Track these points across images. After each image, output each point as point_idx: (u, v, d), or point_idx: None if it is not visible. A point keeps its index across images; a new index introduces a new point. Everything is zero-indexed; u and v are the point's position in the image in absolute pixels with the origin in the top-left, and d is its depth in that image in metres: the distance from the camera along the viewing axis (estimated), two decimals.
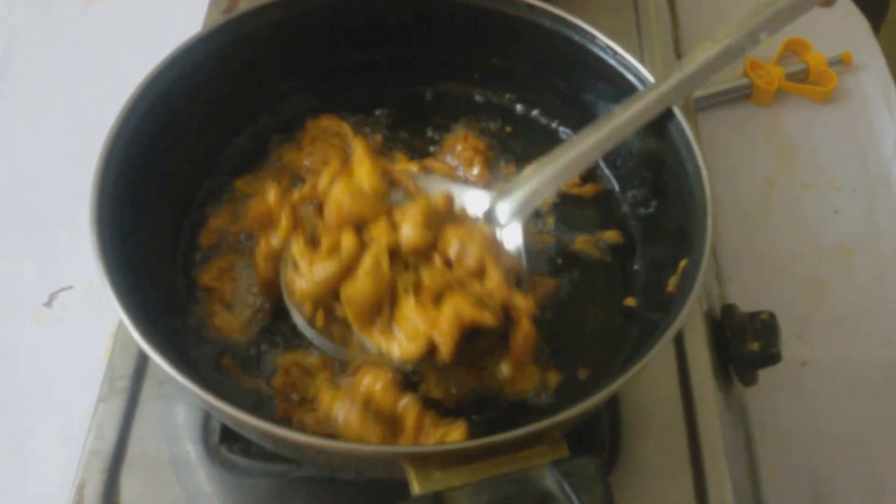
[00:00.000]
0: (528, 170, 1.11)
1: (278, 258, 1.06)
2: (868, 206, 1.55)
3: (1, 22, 1.76)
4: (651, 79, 1.13)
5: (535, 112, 1.31)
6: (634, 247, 1.20)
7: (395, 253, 1.02)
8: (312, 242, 1.04)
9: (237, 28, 1.17)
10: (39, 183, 1.52)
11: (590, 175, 1.25)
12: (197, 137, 1.19)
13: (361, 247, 1.01)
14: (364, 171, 1.07)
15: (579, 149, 1.10)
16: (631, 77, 1.15)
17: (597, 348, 1.12)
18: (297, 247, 1.04)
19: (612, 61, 1.17)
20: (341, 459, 0.96)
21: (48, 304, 1.36)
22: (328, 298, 1.02)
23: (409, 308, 0.99)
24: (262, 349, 1.09)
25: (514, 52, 1.26)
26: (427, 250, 1.03)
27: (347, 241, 1.01)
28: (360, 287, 0.99)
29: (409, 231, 1.01)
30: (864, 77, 1.73)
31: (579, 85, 1.22)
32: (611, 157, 1.25)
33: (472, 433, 0.95)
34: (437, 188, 1.12)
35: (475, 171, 1.23)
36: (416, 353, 0.98)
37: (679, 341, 1.18)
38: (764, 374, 1.22)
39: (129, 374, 1.14)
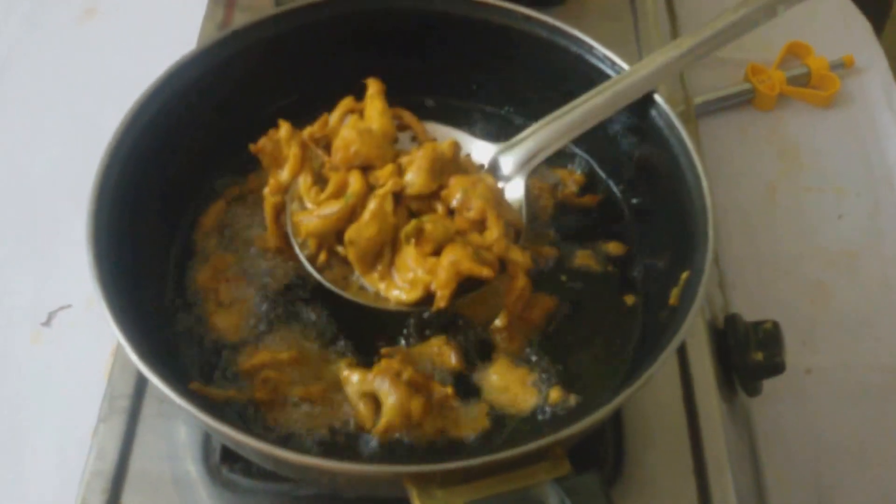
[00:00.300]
0: (535, 125, 1.13)
1: (285, 193, 1.10)
2: (872, 210, 1.55)
3: None
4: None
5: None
6: (635, 257, 1.19)
7: (399, 198, 1.04)
8: (319, 181, 1.08)
9: (234, 43, 1.17)
10: (36, 199, 1.51)
11: (589, 185, 1.25)
12: (194, 153, 1.19)
13: (367, 189, 1.04)
14: (375, 110, 1.09)
15: (587, 107, 1.11)
16: None
17: (599, 362, 1.11)
18: (303, 184, 1.07)
19: (610, 71, 1.16)
20: (344, 479, 0.96)
21: (47, 323, 1.35)
22: (331, 238, 1.05)
23: (409, 256, 1.02)
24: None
25: (512, 64, 1.25)
26: (430, 197, 1.05)
27: (354, 182, 1.04)
28: (364, 230, 1.01)
29: (415, 177, 1.04)
30: (867, 79, 1.72)
31: (577, 95, 1.21)
32: (611, 166, 1.24)
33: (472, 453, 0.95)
34: (444, 136, 1.13)
35: None
36: (413, 298, 1.02)
37: (682, 352, 1.17)
38: (768, 382, 1.21)
39: (130, 393, 1.14)
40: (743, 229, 1.51)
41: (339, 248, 1.04)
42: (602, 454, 1.09)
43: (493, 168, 1.13)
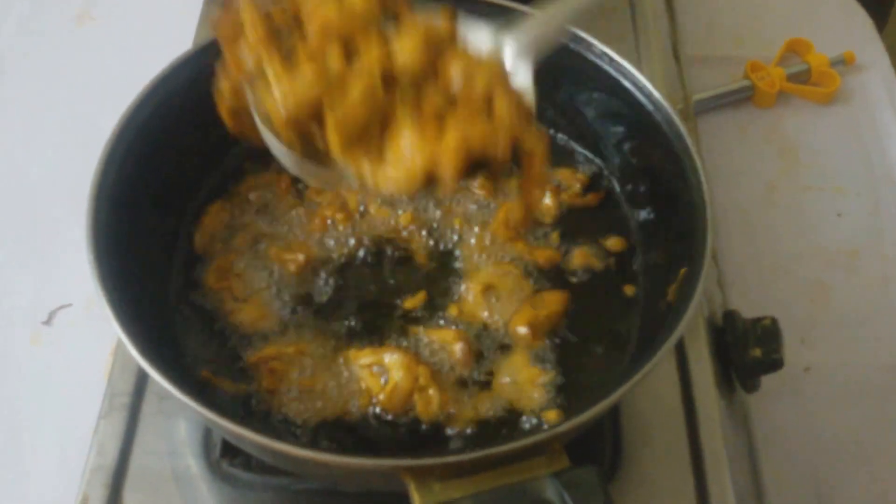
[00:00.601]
0: (540, 10, 1.00)
1: (246, 79, 0.93)
2: (872, 208, 1.55)
3: None
4: (648, 85, 1.13)
5: None
6: (635, 251, 1.20)
7: (388, 78, 0.89)
8: (289, 59, 0.91)
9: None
10: (34, 200, 1.51)
11: (592, 184, 1.25)
12: (191, 152, 1.20)
13: (347, 60, 0.89)
14: None
15: None
16: (627, 84, 1.15)
17: (599, 357, 1.11)
18: (272, 64, 0.90)
19: (608, 67, 1.17)
20: (342, 472, 0.96)
21: (47, 322, 1.35)
22: (308, 121, 0.90)
23: (407, 132, 0.88)
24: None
25: None
26: (425, 76, 0.90)
27: (333, 56, 0.89)
28: (351, 109, 0.87)
29: (407, 49, 0.90)
30: (868, 76, 1.72)
31: (574, 93, 1.22)
32: (612, 163, 1.25)
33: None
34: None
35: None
36: (412, 183, 0.88)
37: (680, 348, 1.18)
38: (766, 380, 1.21)
39: (130, 390, 1.14)
40: (742, 227, 1.51)
41: (316, 132, 0.90)
42: (600, 449, 1.10)
43: (496, 49, 0.96)
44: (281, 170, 0.97)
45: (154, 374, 0.89)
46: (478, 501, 0.84)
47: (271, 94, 0.90)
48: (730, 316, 1.21)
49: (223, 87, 0.96)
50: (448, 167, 0.86)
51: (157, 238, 1.15)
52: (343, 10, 0.90)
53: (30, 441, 1.24)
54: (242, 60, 0.92)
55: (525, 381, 1.07)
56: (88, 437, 1.12)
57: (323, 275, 1.15)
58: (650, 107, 1.13)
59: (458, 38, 0.94)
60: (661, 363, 0.92)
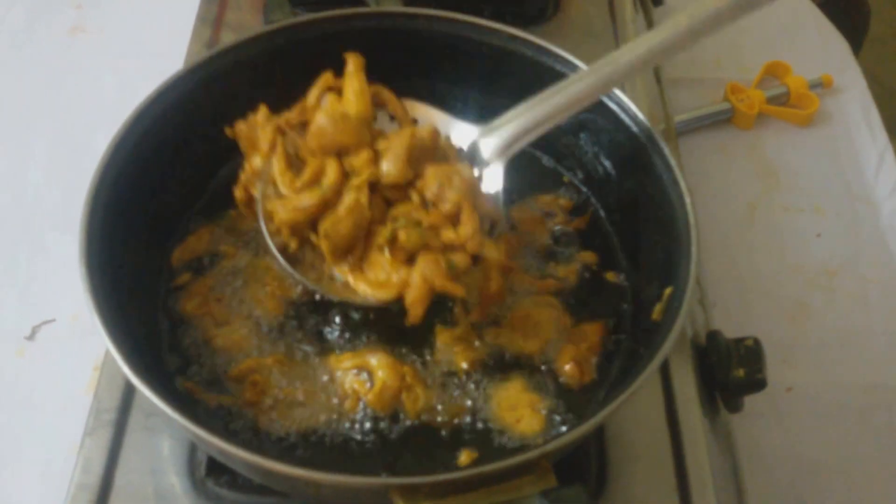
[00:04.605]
0: (516, 109, 1.09)
1: (258, 179, 1.08)
2: (850, 228, 1.56)
3: None
4: (626, 99, 1.15)
5: None
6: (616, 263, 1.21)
7: (374, 186, 1.03)
8: (295, 164, 1.06)
9: (221, 61, 1.17)
10: (19, 214, 1.51)
11: (578, 207, 1.27)
12: (184, 170, 1.20)
13: (343, 178, 1.03)
14: (353, 91, 1.07)
15: (569, 92, 1.07)
16: (609, 102, 1.17)
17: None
18: (278, 169, 1.06)
19: None
20: (330, 491, 0.96)
21: (31, 337, 1.35)
22: (305, 227, 1.04)
23: (383, 259, 1.02)
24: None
25: (497, 84, 1.25)
26: (406, 185, 1.04)
27: (330, 172, 1.03)
28: (339, 223, 1.01)
29: (391, 166, 1.02)
30: (845, 99, 1.74)
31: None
32: (595, 185, 1.26)
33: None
34: (424, 116, 1.13)
35: None
36: (384, 299, 1.03)
37: (664, 368, 1.18)
38: (749, 400, 1.21)
39: (116, 406, 1.14)
40: (722, 247, 1.52)
41: (312, 236, 1.04)
42: (586, 468, 1.10)
43: (473, 152, 1.10)
44: None
45: (144, 390, 0.89)
46: None
47: (275, 200, 1.05)
48: (713, 336, 1.21)
49: (241, 182, 1.11)
50: (415, 305, 1.00)
51: (149, 254, 1.16)
52: (338, 122, 1.04)
53: (11, 456, 1.24)
54: (255, 166, 1.08)
55: (524, 403, 1.08)
56: (70, 453, 1.11)
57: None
58: (635, 128, 1.14)
59: (439, 144, 1.08)
60: (647, 382, 0.93)
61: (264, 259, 1.18)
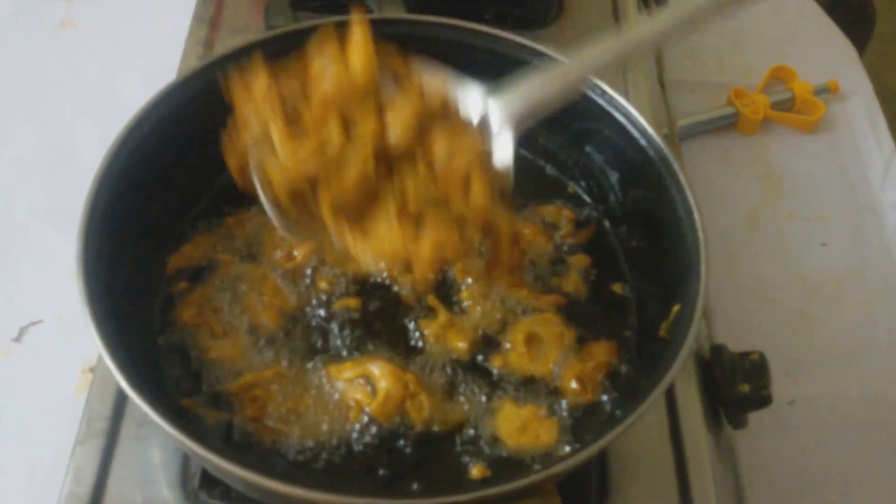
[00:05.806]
0: (532, 76, 1.03)
1: (252, 141, 1.00)
2: (855, 237, 1.55)
3: None
4: (634, 111, 1.14)
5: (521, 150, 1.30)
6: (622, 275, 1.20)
7: (380, 151, 0.98)
8: (294, 123, 0.98)
9: (221, 68, 1.15)
10: (8, 213, 1.48)
11: (583, 221, 1.25)
12: (181, 177, 1.19)
13: (347, 140, 0.97)
14: (358, 56, 0.99)
15: (586, 59, 1.02)
16: (616, 113, 1.16)
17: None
18: (276, 130, 0.97)
19: (593, 94, 1.17)
20: None
21: (18, 338, 1.33)
22: (305, 191, 0.98)
23: (390, 224, 0.97)
24: None
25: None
26: (413, 151, 0.99)
27: (334, 134, 0.97)
28: (344, 188, 0.96)
29: (398, 133, 0.97)
30: (851, 104, 1.72)
31: (564, 119, 1.21)
32: (600, 197, 1.25)
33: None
34: (432, 81, 1.03)
35: None
36: (391, 266, 1.01)
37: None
38: (752, 414, 1.20)
39: (108, 414, 1.12)
40: (725, 256, 1.50)
41: (312, 200, 0.98)
42: (587, 486, 1.09)
43: (483, 119, 1.02)
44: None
45: (137, 401, 0.88)
46: None
47: (273, 161, 0.97)
48: (717, 350, 1.19)
49: (235, 144, 1.01)
50: (420, 269, 0.96)
51: (146, 262, 1.14)
52: (343, 87, 0.97)
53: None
54: (250, 123, 0.99)
55: (530, 418, 1.07)
56: (58, 455, 1.11)
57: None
58: (642, 139, 1.13)
59: (448, 110, 1.01)
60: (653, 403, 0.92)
61: (261, 267, 1.17)
